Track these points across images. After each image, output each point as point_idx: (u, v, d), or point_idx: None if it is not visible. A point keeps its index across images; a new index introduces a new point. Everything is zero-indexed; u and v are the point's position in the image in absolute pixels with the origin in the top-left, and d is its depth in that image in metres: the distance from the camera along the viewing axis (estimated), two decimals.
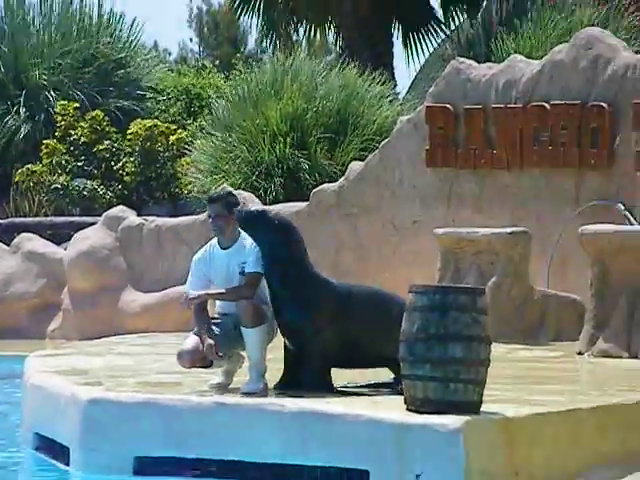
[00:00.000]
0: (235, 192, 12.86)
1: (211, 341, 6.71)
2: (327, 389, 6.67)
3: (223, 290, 6.79)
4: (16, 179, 16.37)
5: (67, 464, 6.70)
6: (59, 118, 16.89)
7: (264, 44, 20.03)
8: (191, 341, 6.84)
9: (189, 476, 6.39)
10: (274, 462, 6.28)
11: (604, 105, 11.21)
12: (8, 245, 14.31)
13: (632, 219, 10.96)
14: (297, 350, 6.77)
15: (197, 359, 6.79)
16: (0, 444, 7.60)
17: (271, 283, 6.73)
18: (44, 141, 16.71)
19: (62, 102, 17.04)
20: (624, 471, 6.44)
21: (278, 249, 6.68)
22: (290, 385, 6.79)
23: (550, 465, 6.24)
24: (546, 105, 11.47)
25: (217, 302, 7.03)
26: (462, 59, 12.35)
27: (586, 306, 9.69)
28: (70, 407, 6.77)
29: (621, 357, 9.15)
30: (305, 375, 6.72)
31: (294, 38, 20.61)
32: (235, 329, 6.84)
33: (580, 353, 9.40)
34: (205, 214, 13.16)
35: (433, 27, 19.54)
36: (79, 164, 16.68)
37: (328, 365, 6.77)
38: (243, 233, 6.88)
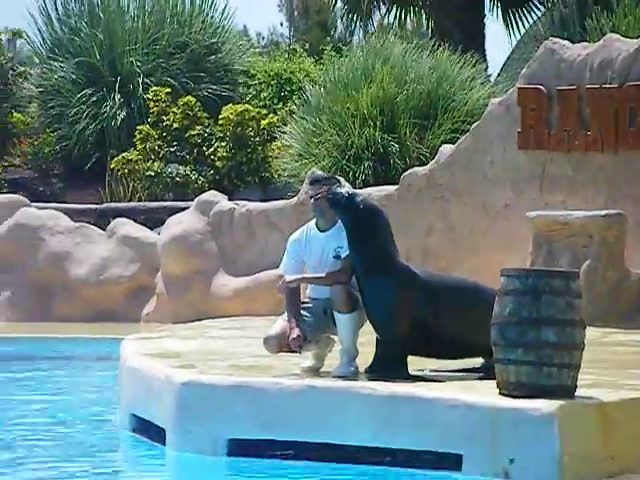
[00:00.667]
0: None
1: (297, 332, 6.72)
2: (403, 377, 6.62)
3: (320, 274, 6.79)
4: (112, 167, 16.64)
5: (163, 445, 6.80)
6: (152, 104, 17.11)
7: (350, 28, 19.95)
8: (278, 326, 6.87)
9: (281, 458, 6.43)
10: (366, 445, 6.29)
11: None
12: (104, 230, 14.56)
13: None
14: (379, 336, 6.75)
15: (283, 344, 6.82)
16: (99, 425, 7.75)
17: (355, 269, 6.71)
18: (138, 127, 16.94)
19: (155, 88, 17.25)
20: None
21: (363, 234, 6.66)
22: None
23: None
24: None
25: (310, 286, 7.05)
26: (556, 39, 12.16)
27: None
28: (165, 390, 6.87)
29: None
30: (380, 362, 6.70)
31: (385, 22, 20.54)
32: (325, 314, 6.85)
33: None
34: (296, 198, 13.24)
35: (530, 4, 19.26)
36: (171, 150, 16.87)
37: (406, 354, 6.72)
38: None
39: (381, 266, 6.66)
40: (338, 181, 7.08)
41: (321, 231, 6.91)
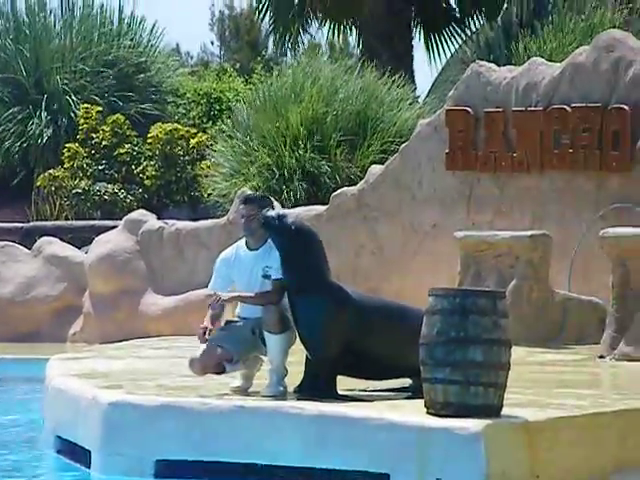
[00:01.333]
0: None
1: (219, 350, 6.72)
2: (332, 396, 6.63)
3: (254, 294, 6.78)
4: (38, 184, 16.46)
5: (88, 467, 6.72)
6: (82, 121, 16.98)
7: (280, 46, 20.02)
8: (203, 349, 6.85)
9: (210, 479, 6.39)
10: (294, 465, 6.28)
11: (625, 107, 11.16)
12: (29, 249, 14.38)
13: None
14: (310, 355, 6.76)
15: (209, 366, 6.81)
16: (23, 447, 7.62)
17: (288, 289, 6.72)
18: (66, 145, 16.79)
19: (85, 105, 17.11)
20: None
21: (295, 255, 6.67)
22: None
23: (571, 469, 6.21)
24: (567, 108, 11.44)
25: (240, 305, 7.03)
26: (482, 62, 12.33)
27: (607, 309, 9.64)
28: (91, 410, 6.79)
29: None
30: (309, 382, 6.71)
31: (315, 40, 20.63)
32: (254, 333, 6.85)
33: (602, 357, 9.36)
34: (225, 217, 13.21)
35: (454, 28, 19.52)
36: (100, 168, 16.75)
37: (335, 374, 6.74)
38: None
39: (313, 285, 6.68)
40: (270, 201, 7.10)
41: (250, 250, 6.91)
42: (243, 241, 6.98)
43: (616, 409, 6.63)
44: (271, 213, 6.79)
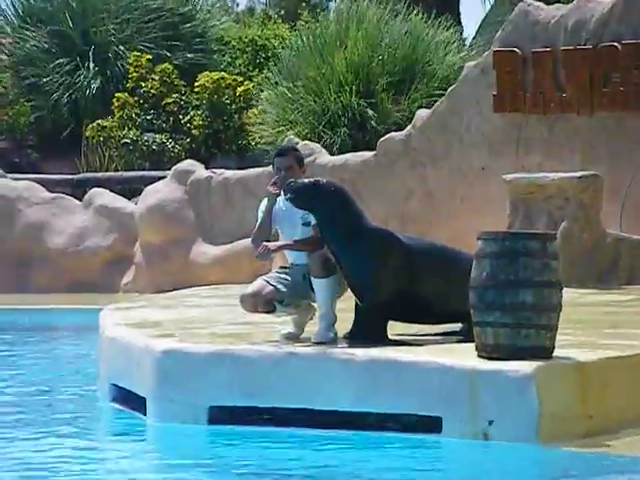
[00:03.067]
0: (302, 143, 13.01)
1: (270, 288, 6.76)
2: (383, 342, 6.64)
3: (297, 241, 6.81)
4: (87, 135, 16.55)
5: (144, 414, 6.82)
6: (131, 69, 17.00)
7: None
8: (255, 285, 6.90)
9: (263, 425, 6.46)
10: (346, 410, 6.33)
11: None
12: (80, 200, 14.51)
13: None
14: (359, 302, 6.78)
15: (259, 303, 6.84)
16: (78, 396, 7.75)
17: (332, 246, 6.70)
18: (115, 94, 16.84)
19: (136, 53, 17.13)
20: None
21: (338, 216, 6.66)
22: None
23: (624, 409, 6.20)
24: (617, 45, 11.25)
25: (290, 254, 7.06)
26: (530, 1, 12.15)
27: None
28: (144, 359, 6.88)
29: None
30: (362, 327, 6.73)
31: None
32: (304, 279, 6.88)
33: None
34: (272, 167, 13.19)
35: None
36: (148, 117, 16.80)
37: (386, 319, 6.75)
38: None
39: (358, 234, 6.67)
40: (300, 152, 7.10)
41: (288, 199, 6.94)
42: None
43: None
44: (303, 182, 6.74)
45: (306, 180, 6.80)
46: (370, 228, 6.77)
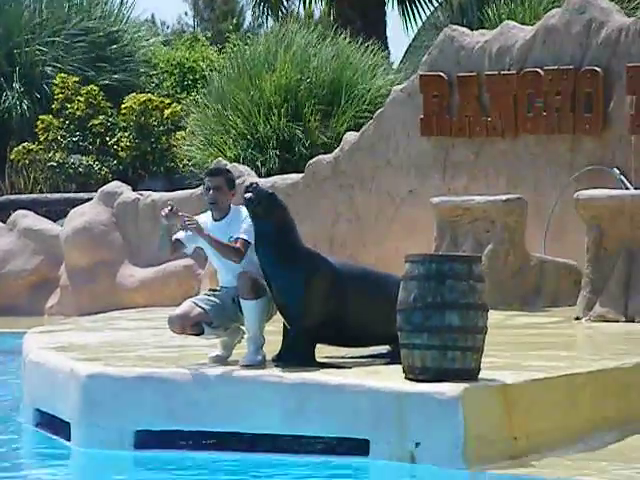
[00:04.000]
0: (231, 165, 13.00)
1: (198, 310, 6.74)
2: (312, 365, 6.64)
3: (220, 240, 6.77)
4: (12, 157, 16.35)
5: (68, 440, 6.73)
6: (57, 90, 16.85)
7: (257, 14, 19.92)
8: (183, 307, 6.87)
9: (190, 449, 6.41)
10: (274, 433, 6.31)
11: (597, 69, 11.18)
12: (4, 222, 14.31)
13: (627, 183, 10.96)
14: (289, 324, 6.78)
15: (187, 325, 6.81)
16: (1, 421, 7.62)
17: (265, 260, 6.70)
18: (40, 116, 16.66)
19: (62, 74, 16.97)
20: (622, 434, 6.48)
21: (281, 233, 6.67)
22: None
23: (549, 430, 6.27)
24: (540, 71, 11.45)
25: (220, 276, 7.05)
26: (455, 26, 12.31)
27: (583, 271, 9.70)
28: (69, 383, 6.79)
29: (618, 321, 9.18)
30: (291, 350, 6.72)
31: (289, 9, 20.51)
32: (233, 302, 6.86)
33: (577, 318, 9.43)
34: (201, 187, 13.16)
35: None
36: (74, 139, 16.65)
37: (315, 342, 6.75)
38: (233, 208, 6.91)
39: (293, 256, 6.68)
40: (232, 175, 7.12)
41: (215, 221, 6.94)
42: (209, 212, 6.99)
43: (592, 370, 6.69)
44: (266, 188, 6.79)
45: (267, 189, 6.83)
46: (304, 251, 6.78)
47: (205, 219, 6.99)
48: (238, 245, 6.76)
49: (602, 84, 11.16)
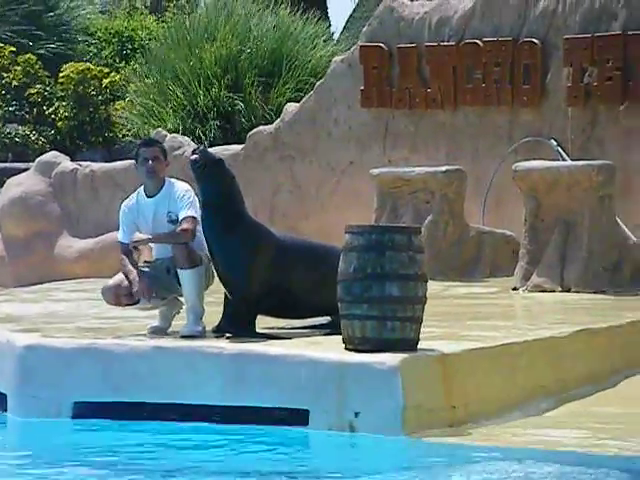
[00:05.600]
0: (171, 136, 12.91)
1: (139, 283, 6.69)
2: (252, 335, 6.66)
3: (165, 233, 6.76)
4: None
5: (4, 410, 6.67)
6: None
7: None
8: (116, 278, 6.85)
9: (128, 420, 6.40)
10: (214, 404, 6.31)
11: (536, 41, 11.26)
12: None
13: (564, 155, 11.07)
14: (230, 295, 6.77)
15: (121, 294, 6.78)
16: None
17: (209, 228, 6.68)
18: None
19: None
20: (558, 402, 6.58)
21: (228, 200, 6.65)
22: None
23: (486, 399, 6.34)
24: (479, 42, 11.50)
25: (154, 247, 7.01)
26: None
27: (520, 242, 9.81)
28: (6, 354, 6.73)
29: (554, 291, 9.30)
30: (231, 321, 6.72)
31: None
32: (169, 272, 6.84)
33: (515, 288, 9.54)
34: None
35: None
36: (10, 109, 16.41)
37: (256, 313, 6.76)
38: (168, 181, 6.87)
39: (239, 226, 6.66)
40: (162, 142, 7.12)
41: (149, 197, 6.88)
42: (142, 189, 6.94)
43: (528, 339, 6.78)
44: (213, 153, 6.77)
45: (215, 153, 6.80)
46: (250, 221, 6.77)
47: (135, 201, 6.91)
48: (186, 226, 6.71)
49: (540, 56, 11.24)
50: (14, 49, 16.66)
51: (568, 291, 9.29)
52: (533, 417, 6.31)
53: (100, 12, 20.57)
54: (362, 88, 12.03)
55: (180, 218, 6.76)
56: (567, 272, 9.33)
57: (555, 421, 6.25)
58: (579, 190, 9.36)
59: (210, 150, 6.93)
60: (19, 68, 16.48)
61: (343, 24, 20.89)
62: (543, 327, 7.32)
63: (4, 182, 13.91)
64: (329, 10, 19.06)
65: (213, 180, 6.63)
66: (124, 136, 15.33)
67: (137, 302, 6.82)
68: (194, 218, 6.74)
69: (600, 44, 10.89)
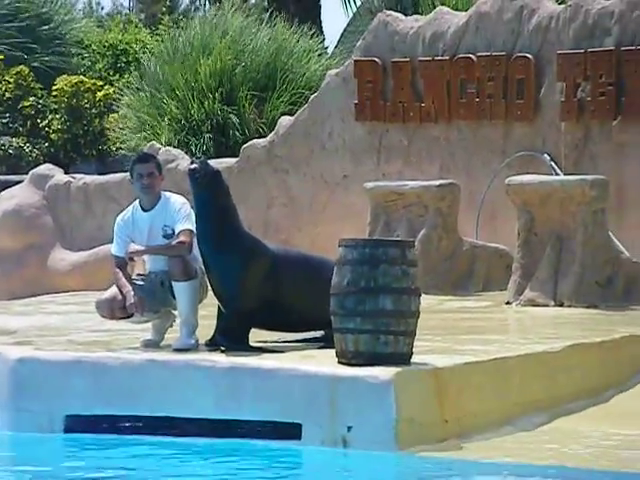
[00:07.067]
0: (164, 149, 12.92)
1: (134, 296, 6.68)
2: (245, 349, 6.65)
3: (162, 245, 6.76)
4: None
5: None
6: None
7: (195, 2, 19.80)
8: (111, 291, 6.84)
9: (121, 433, 6.38)
10: (207, 417, 6.30)
11: (529, 56, 11.29)
12: None
13: (557, 169, 11.10)
14: (224, 308, 6.76)
15: (116, 308, 6.78)
16: None
17: (204, 241, 6.69)
18: None
19: None
20: (551, 417, 6.58)
21: (223, 214, 6.66)
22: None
23: (479, 413, 6.34)
24: (472, 57, 11.53)
25: (148, 260, 7.00)
26: (389, 12, 12.35)
27: (513, 256, 9.81)
28: None
29: (547, 305, 9.31)
30: (225, 334, 6.72)
31: None
32: (162, 286, 6.83)
33: (508, 302, 9.54)
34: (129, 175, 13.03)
35: None
36: (3, 121, 16.41)
37: (249, 327, 6.75)
38: (163, 195, 6.88)
39: (233, 240, 6.67)
40: (157, 157, 7.14)
41: (145, 211, 6.88)
42: (138, 202, 6.94)
43: (522, 353, 6.78)
44: (212, 166, 6.78)
45: (214, 165, 6.81)
46: (244, 234, 6.77)
47: (130, 214, 6.92)
48: (183, 238, 6.72)
49: (533, 71, 11.27)
50: (2, 57, 16.63)
51: (561, 305, 9.29)
52: (526, 432, 6.31)
53: (97, 25, 20.57)
54: (356, 102, 12.06)
55: (177, 231, 6.76)
56: (560, 286, 9.34)
57: (548, 436, 6.25)
58: (572, 205, 9.38)
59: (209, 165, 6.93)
60: (11, 80, 16.49)
61: (337, 38, 20.93)
62: (536, 341, 7.32)
63: None
64: (323, 24, 19.11)
65: (210, 191, 6.65)
66: (118, 149, 15.34)
67: (131, 315, 6.81)
68: (191, 231, 6.74)
69: (593, 59, 10.93)
